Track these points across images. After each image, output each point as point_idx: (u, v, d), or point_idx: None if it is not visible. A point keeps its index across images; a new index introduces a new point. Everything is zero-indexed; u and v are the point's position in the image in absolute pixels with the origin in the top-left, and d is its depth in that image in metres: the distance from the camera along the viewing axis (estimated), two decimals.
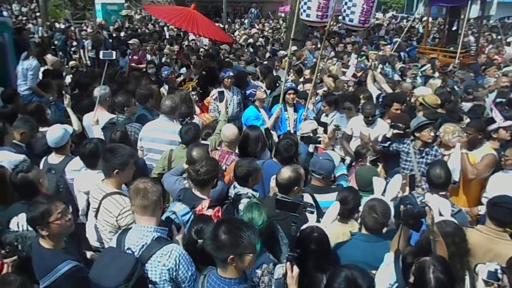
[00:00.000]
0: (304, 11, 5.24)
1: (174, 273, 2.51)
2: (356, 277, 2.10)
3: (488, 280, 2.46)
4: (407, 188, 3.84)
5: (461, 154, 4.37)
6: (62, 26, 17.14)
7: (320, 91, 7.47)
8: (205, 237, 2.22)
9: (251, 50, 12.05)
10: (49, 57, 7.99)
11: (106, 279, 2.39)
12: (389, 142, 4.79)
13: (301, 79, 7.93)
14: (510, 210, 3.04)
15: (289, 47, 6.55)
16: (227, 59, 9.48)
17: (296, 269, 2.33)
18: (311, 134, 4.77)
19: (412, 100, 6.53)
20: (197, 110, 6.27)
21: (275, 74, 8.18)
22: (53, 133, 3.97)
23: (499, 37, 15.75)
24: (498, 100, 6.68)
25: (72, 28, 16.13)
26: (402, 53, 11.85)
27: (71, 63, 9.17)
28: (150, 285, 2.53)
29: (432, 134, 4.53)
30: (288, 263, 2.33)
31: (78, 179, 3.74)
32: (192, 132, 4.20)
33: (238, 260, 2.19)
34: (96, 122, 4.83)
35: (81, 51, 12.64)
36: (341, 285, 2.11)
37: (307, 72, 8.07)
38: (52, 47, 12.28)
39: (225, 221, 2.23)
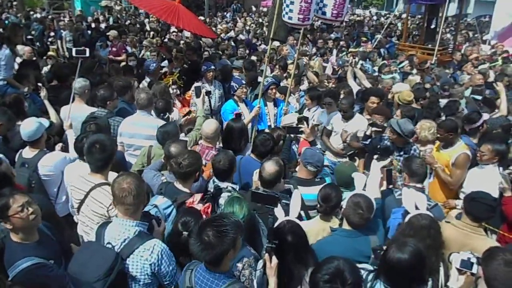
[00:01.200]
0: (287, 13, 5.27)
1: (156, 268, 2.52)
2: (344, 269, 2.12)
3: (461, 268, 2.53)
4: (385, 183, 3.95)
5: (434, 171, 4.54)
6: (39, 16, 16.66)
7: (302, 87, 7.52)
8: (194, 249, 2.18)
9: (233, 44, 12.01)
10: (24, 48, 7.73)
11: (85, 274, 2.38)
12: (369, 140, 4.87)
13: (285, 74, 7.96)
14: (487, 206, 3.11)
15: (269, 44, 6.55)
16: (205, 53, 9.44)
17: (274, 260, 2.36)
18: (294, 125, 4.82)
19: (389, 96, 6.66)
20: (178, 104, 6.22)
21: (261, 68, 8.19)
22: (27, 126, 3.87)
23: (475, 35, 16.12)
24: (472, 96, 6.87)
25: (50, 17, 15.69)
26: (381, 50, 12.02)
27: (49, 53, 8.91)
28: (130, 280, 2.54)
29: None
30: (267, 254, 2.37)
31: (68, 171, 3.67)
32: (168, 136, 4.03)
33: (233, 251, 2.22)
34: (69, 126, 4.61)
35: (59, 42, 12.33)
36: (329, 269, 2.12)
37: (290, 67, 8.10)
38: (30, 37, 11.90)
39: (205, 226, 2.20)
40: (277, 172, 3.34)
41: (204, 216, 2.84)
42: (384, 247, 2.60)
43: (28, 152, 3.91)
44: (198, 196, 3.05)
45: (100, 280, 2.34)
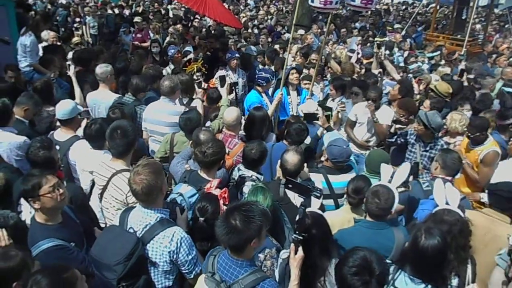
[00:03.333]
0: None
1: (175, 256, 2.53)
2: (371, 260, 2.11)
3: None
4: (411, 177, 3.87)
5: (464, 165, 4.37)
6: (64, 1, 16.79)
7: (328, 76, 7.42)
8: (219, 232, 2.16)
9: (256, 31, 11.90)
10: (50, 33, 7.79)
11: (106, 257, 2.41)
12: (395, 137, 4.76)
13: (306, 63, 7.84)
14: (503, 198, 3.15)
15: (291, 31, 6.44)
16: (230, 40, 9.37)
17: (300, 252, 2.32)
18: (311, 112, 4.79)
19: (421, 87, 6.48)
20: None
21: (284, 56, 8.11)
22: (63, 105, 3.89)
23: (507, 26, 15.52)
24: (503, 89, 6.62)
25: (75, 2, 15.78)
26: (408, 40, 11.68)
27: (75, 39, 8.98)
28: (150, 265, 2.56)
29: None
30: (293, 245, 2.34)
31: (82, 158, 3.68)
32: (191, 123, 4.04)
33: (258, 240, 2.19)
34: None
35: (84, 27, 12.42)
36: (356, 261, 2.12)
37: (313, 56, 7.97)
38: (54, 22, 12.02)
39: (232, 210, 2.18)
40: (300, 161, 3.32)
41: (221, 201, 2.83)
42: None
43: (60, 135, 3.92)
44: (215, 182, 3.03)
45: (120, 264, 2.36)
